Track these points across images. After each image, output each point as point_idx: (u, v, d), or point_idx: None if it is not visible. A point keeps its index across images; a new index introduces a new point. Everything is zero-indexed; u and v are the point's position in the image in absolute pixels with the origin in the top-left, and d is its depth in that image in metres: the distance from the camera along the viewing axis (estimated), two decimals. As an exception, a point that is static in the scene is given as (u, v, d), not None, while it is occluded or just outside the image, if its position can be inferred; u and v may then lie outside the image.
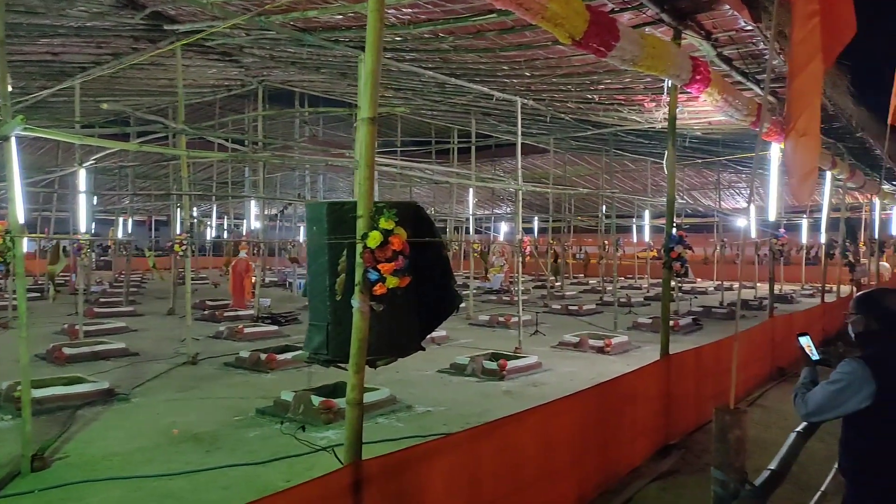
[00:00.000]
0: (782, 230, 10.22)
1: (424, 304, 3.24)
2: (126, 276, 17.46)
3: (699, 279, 25.27)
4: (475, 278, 18.04)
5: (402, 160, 14.63)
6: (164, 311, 14.56)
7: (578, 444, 4.60)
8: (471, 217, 15.20)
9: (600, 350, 10.30)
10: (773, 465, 2.43)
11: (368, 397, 6.59)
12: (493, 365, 8.56)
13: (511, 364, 8.64)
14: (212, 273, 23.38)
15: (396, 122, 16.07)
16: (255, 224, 15.69)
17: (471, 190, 14.61)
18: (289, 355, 8.75)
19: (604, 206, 17.92)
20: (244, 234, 17.38)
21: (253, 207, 15.91)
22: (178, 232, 11.32)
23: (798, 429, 2.82)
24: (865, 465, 2.41)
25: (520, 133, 9.45)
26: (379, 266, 2.93)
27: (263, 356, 8.62)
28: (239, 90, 12.76)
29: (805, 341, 2.79)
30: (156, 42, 8.59)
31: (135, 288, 19.37)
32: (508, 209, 25.68)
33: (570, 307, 15.76)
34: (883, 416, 2.29)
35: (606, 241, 17.59)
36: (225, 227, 22.71)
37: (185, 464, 5.11)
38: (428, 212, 21.71)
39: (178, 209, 11.95)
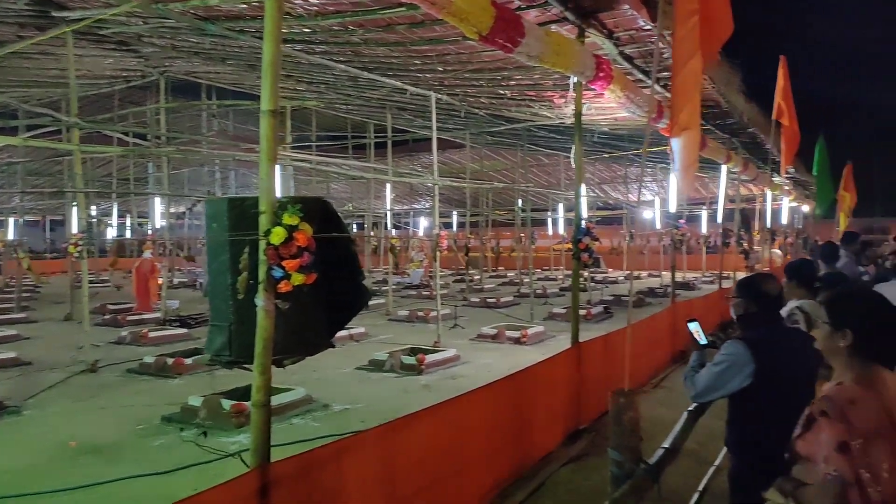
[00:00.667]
0: (682, 221, 10.80)
1: (333, 300, 3.18)
2: (18, 280, 16.21)
3: (611, 269, 26.32)
4: (394, 274, 18.00)
5: (317, 155, 14.36)
6: (61, 316, 13.62)
7: (493, 433, 4.68)
8: (388, 212, 15.12)
9: (517, 341, 10.53)
10: (666, 444, 2.57)
11: (282, 398, 6.46)
12: (411, 360, 8.57)
13: (430, 358, 8.68)
14: (114, 275, 22.11)
15: (311, 117, 15.76)
16: (161, 222, 14.94)
17: (388, 185, 14.54)
18: (198, 359, 8.40)
19: (520, 200, 18.29)
20: (149, 233, 16.52)
21: (158, 205, 15.12)
22: (73, 232, 10.59)
23: (689, 409, 2.99)
24: (747, 439, 2.58)
25: (435, 128, 9.48)
26: (283, 263, 2.85)
27: (170, 361, 8.24)
28: (139, 81, 12.08)
29: (694, 327, 2.95)
30: (44, 29, 7.99)
31: (28, 293, 18.01)
32: (427, 204, 25.73)
33: (489, 300, 16.02)
34: (762, 394, 2.45)
35: (522, 235, 17.98)
36: (128, 226, 21.48)
37: (84, 477, 4.79)
38: (345, 207, 21.46)
39: (74, 208, 11.19)
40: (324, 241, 3.08)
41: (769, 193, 15.19)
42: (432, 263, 11.34)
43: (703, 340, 2.91)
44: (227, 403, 6.05)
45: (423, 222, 23.12)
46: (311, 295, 3.01)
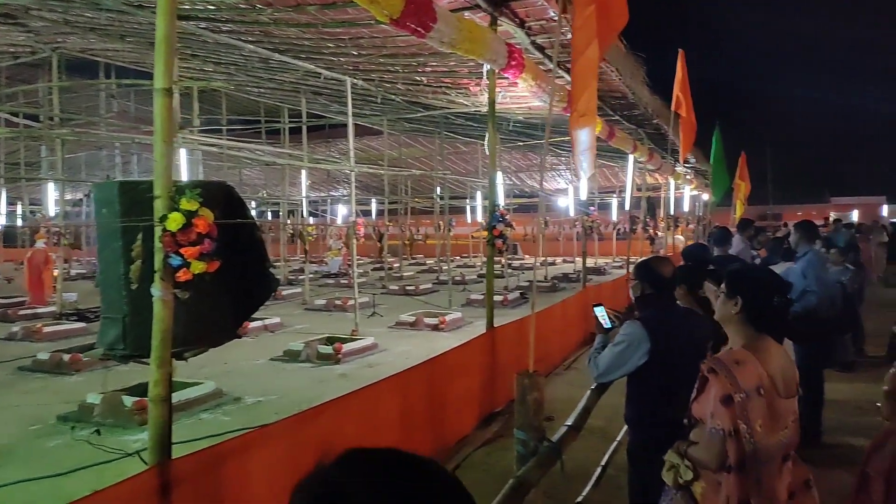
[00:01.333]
0: (593, 208, 11.22)
1: (239, 289, 3.07)
2: None
3: (527, 256, 26.95)
4: (311, 262, 17.64)
5: (228, 139, 13.79)
6: (-59, 313, 12.47)
7: (407, 420, 4.70)
8: (304, 199, 14.76)
9: (435, 328, 10.59)
10: (568, 422, 2.67)
11: (189, 392, 6.21)
12: (328, 349, 8.44)
13: (347, 347, 8.58)
14: (4, 267, 20.48)
15: (221, 100, 15.08)
16: (55, 210, 13.92)
17: (303, 171, 14.17)
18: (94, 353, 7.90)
19: (438, 188, 18.35)
20: (44, 221, 15.35)
21: (52, 191, 14.06)
22: (-48, 220, 9.69)
23: (592, 387, 3.11)
24: (644, 413, 2.72)
25: (350, 113, 9.31)
26: (182, 250, 2.72)
27: (66, 357, 7.72)
28: (29, 58, 11.14)
29: (599, 311, 3.06)
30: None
31: None
32: (345, 192, 25.35)
33: (408, 287, 16.02)
34: (657, 370, 2.58)
35: (441, 222, 18.08)
36: (18, 214, 19.87)
37: (-33, 485, 4.42)
38: (259, 194, 20.77)
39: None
40: (227, 228, 2.97)
41: (672, 182, 15.98)
42: (350, 251, 11.19)
43: (607, 324, 3.02)
44: (128, 400, 5.74)
45: (342, 210, 22.76)
46: (213, 284, 2.89)
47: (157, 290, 2.72)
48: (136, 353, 2.79)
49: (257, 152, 13.63)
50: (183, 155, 9.42)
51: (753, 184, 20.51)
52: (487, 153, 6.01)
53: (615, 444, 3.64)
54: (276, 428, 3.46)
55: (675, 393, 2.59)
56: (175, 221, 2.65)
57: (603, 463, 3.98)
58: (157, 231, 2.68)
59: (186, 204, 2.69)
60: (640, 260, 2.99)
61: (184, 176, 9.53)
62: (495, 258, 6.54)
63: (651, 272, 2.83)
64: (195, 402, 6.23)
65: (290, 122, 14.42)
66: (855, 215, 33.55)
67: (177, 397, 6.10)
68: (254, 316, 11.01)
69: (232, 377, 7.54)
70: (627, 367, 2.71)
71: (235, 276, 3.03)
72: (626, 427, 3.34)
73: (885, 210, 41.00)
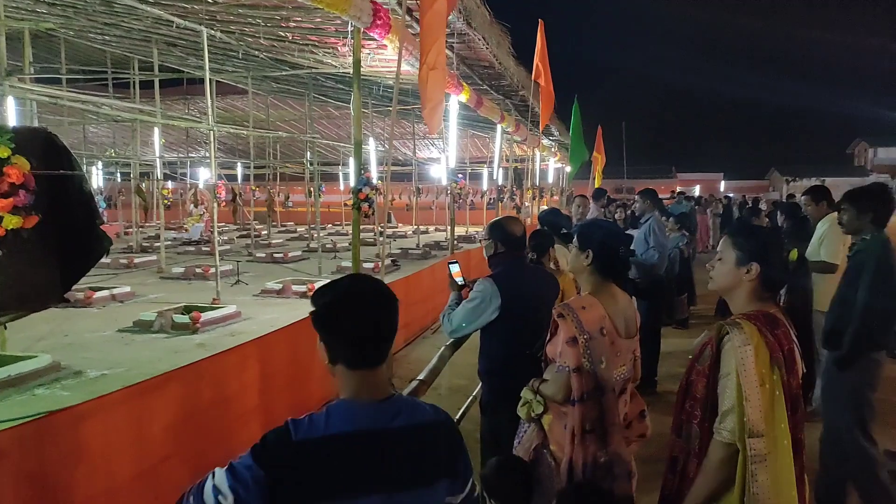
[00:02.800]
0: (460, 175, 11.47)
1: (65, 248, 2.78)
2: None
3: (401, 224, 27.04)
4: (168, 228, 16.52)
5: (69, 90, 12.39)
6: None
7: (269, 384, 4.57)
8: (158, 160, 13.69)
9: (304, 295, 10.37)
10: (421, 376, 2.72)
11: (21, 366, 5.67)
12: (184, 318, 7.99)
13: (206, 316, 8.18)
14: None
15: (59, 46, 13.47)
16: None
17: (156, 130, 13.10)
18: None
19: (308, 153, 17.78)
20: None
21: None
22: None
23: (446, 343, 3.19)
24: (494, 367, 2.84)
25: (207, 67, 8.69)
26: (-9, 203, 2.42)
27: None
28: None
29: (453, 268, 3.13)
30: None
31: None
32: (206, 154, 23.88)
33: (276, 255, 15.51)
34: (507, 325, 2.70)
35: (311, 189, 17.57)
36: None
37: None
38: (107, 153, 18.99)
39: None
40: (49, 180, 2.67)
41: (538, 154, 16.66)
42: (211, 216, 10.56)
43: (460, 280, 3.10)
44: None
45: (203, 173, 21.36)
46: (33, 241, 2.60)
47: (-39, 247, 2.40)
48: (-61, 318, 2.45)
49: (103, 106, 12.40)
50: (11, 104, 8.33)
51: (609, 158, 21.88)
52: (352, 114, 5.88)
53: (469, 399, 3.78)
54: (116, 397, 3.21)
55: (523, 345, 2.73)
56: (-19, 169, 2.34)
57: (456, 417, 4.13)
58: (-41, 180, 2.36)
59: (-5, 150, 2.38)
60: (492, 220, 3.08)
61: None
62: (369, 225, 6.48)
63: (502, 231, 2.93)
64: (28, 376, 5.68)
65: (140, 74, 13.21)
66: (697, 190, 36.95)
67: (6, 372, 5.57)
68: (101, 285, 10.24)
69: (73, 350, 6.95)
70: (479, 322, 2.81)
71: (62, 233, 2.74)
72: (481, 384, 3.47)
73: (722, 185, 45.68)
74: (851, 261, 3.40)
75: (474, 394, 3.97)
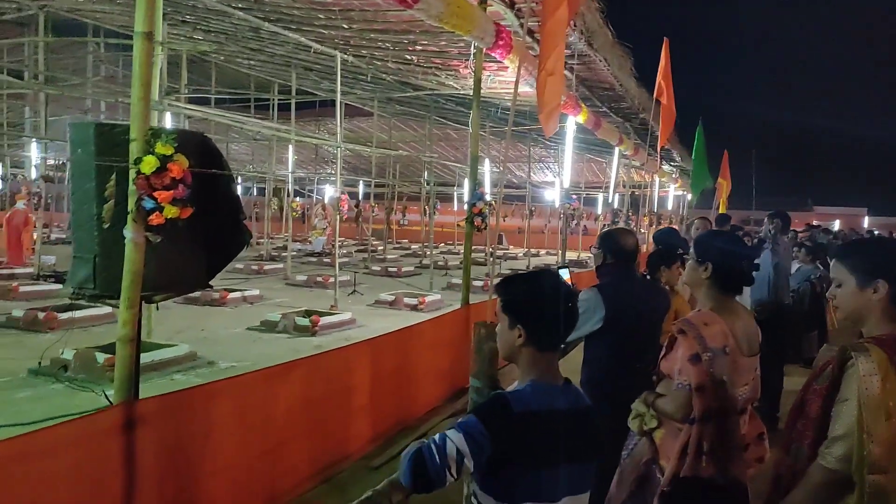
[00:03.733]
0: (574, 197, 11.40)
1: (212, 239, 3.11)
2: None
3: (512, 246, 27.08)
4: (295, 241, 17.62)
5: (217, 110, 13.71)
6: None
7: (377, 384, 4.77)
8: (290, 175, 14.72)
9: (414, 308, 10.66)
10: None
11: (164, 353, 6.27)
12: (305, 321, 8.49)
13: (324, 320, 8.63)
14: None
15: (211, 71, 14.96)
16: (37, 173, 13.76)
17: (290, 147, 14.13)
18: (74, 314, 7.89)
19: (426, 173, 18.36)
20: (25, 183, 15.15)
21: (34, 153, 13.89)
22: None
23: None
24: (596, 376, 2.81)
25: (339, 89, 9.31)
26: (155, 194, 2.76)
27: (41, 314, 7.71)
28: (14, 15, 10.99)
29: (563, 273, 3.14)
30: None
31: None
32: (333, 171, 25.31)
33: (390, 269, 16.07)
34: (612, 336, 2.67)
35: (427, 207, 18.13)
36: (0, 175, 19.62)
37: (-68, 430, 4.44)
38: (246, 169, 20.62)
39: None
40: (202, 177, 3.01)
41: (657, 180, 16.14)
42: (334, 228, 11.23)
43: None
44: (101, 357, 5.77)
45: (329, 191, 22.68)
46: (186, 231, 2.93)
47: (129, 231, 2.76)
48: (106, 293, 2.82)
49: (246, 124, 13.57)
50: (168, 120, 9.38)
51: (738, 189, 20.75)
52: (471, 130, 6.07)
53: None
54: (247, 378, 3.52)
55: (628, 358, 2.69)
56: (149, 164, 2.69)
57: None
58: (132, 173, 2.72)
59: (161, 148, 2.73)
60: (604, 230, 3.07)
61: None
62: (480, 246, 6.63)
63: (613, 242, 2.91)
64: (169, 363, 6.27)
65: (279, 97, 14.34)
66: (837, 224, 34.01)
67: (151, 357, 6.17)
68: (234, 287, 11.13)
69: (208, 343, 7.58)
70: (582, 331, 2.80)
71: (209, 225, 3.07)
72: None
73: (866, 221, 41.73)
74: None
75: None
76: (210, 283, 3.22)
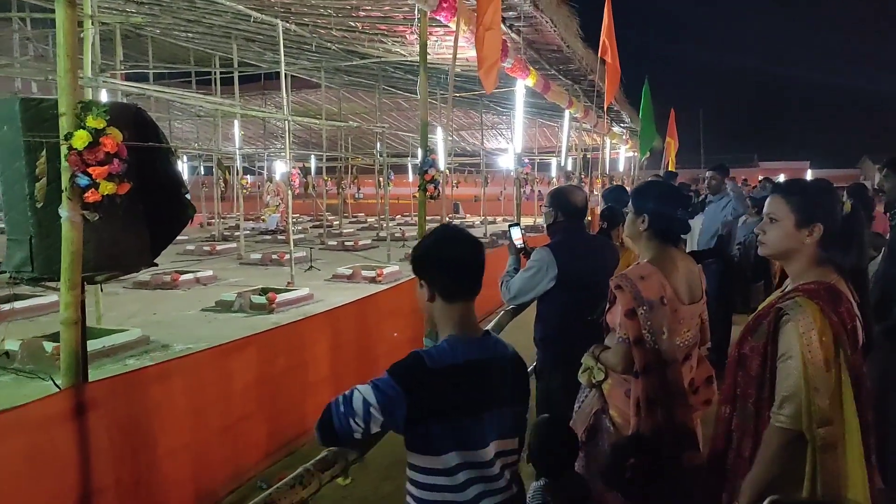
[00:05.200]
0: (527, 161, 11.46)
1: (154, 215, 3.00)
2: None
3: (468, 215, 27.15)
4: (247, 219, 17.27)
5: (156, 86, 13.16)
6: None
7: (337, 355, 4.76)
8: (237, 153, 14.33)
9: (373, 280, 10.64)
10: (480, 336, 2.78)
11: (115, 338, 6.12)
12: (261, 299, 8.38)
13: (281, 297, 8.55)
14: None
15: (147, 45, 14.31)
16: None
17: (236, 122, 13.73)
18: (20, 304, 7.58)
19: (378, 144, 18.14)
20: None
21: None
22: None
23: (507, 308, 3.23)
24: (550, 334, 2.86)
25: (283, 60, 9.05)
26: (90, 170, 2.65)
27: (-19, 306, 7.38)
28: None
29: (515, 232, 3.13)
30: None
31: None
32: (282, 146, 24.76)
33: (346, 243, 15.95)
34: (564, 293, 2.70)
35: (381, 179, 17.95)
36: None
37: None
38: (191, 147, 19.98)
39: None
40: (139, 151, 2.90)
41: (608, 142, 16.33)
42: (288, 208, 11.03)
43: (520, 245, 3.09)
44: (49, 346, 5.58)
45: (279, 167, 22.21)
46: (125, 207, 2.83)
47: (64, 210, 2.64)
48: (45, 275, 2.71)
49: (186, 99, 13.08)
50: (104, 98, 8.98)
51: (685, 147, 21.15)
52: (419, 96, 5.99)
53: (534, 363, 3.81)
54: (199, 357, 3.46)
55: (580, 313, 2.74)
56: (81, 139, 2.56)
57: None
58: (63, 149, 2.59)
59: (93, 122, 2.60)
60: (553, 188, 3.08)
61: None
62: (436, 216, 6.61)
63: (562, 200, 2.93)
64: (121, 348, 6.13)
65: (221, 70, 13.85)
66: (781, 178, 35.16)
67: (102, 343, 6.02)
68: (185, 269, 10.85)
69: (161, 327, 7.42)
70: (536, 291, 2.83)
71: (150, 201, 2.97)
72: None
73: (809, 174, 43.23)
74: (894, 228, 3.23)
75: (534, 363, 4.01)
76: (155, 261, 3.12)
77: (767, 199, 1.93)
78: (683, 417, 2.17)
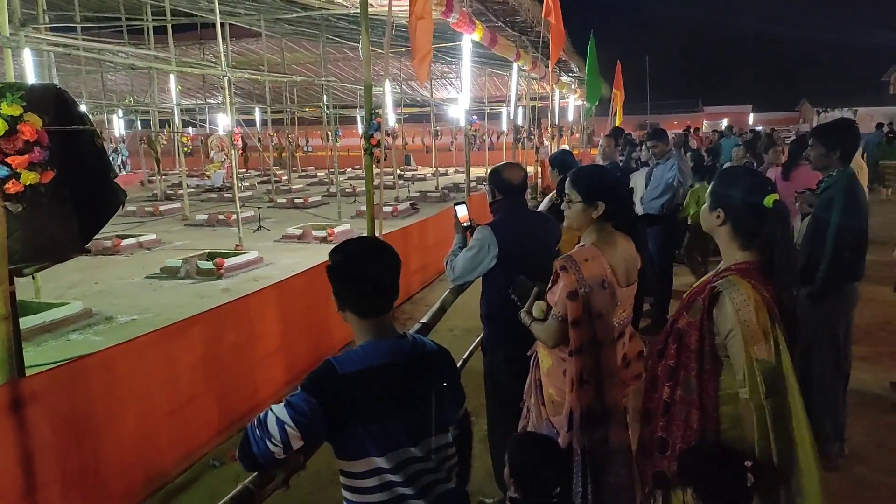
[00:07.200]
0: (475, 117, 11.37)
1: (82, 201, 2.88)
2: None
3: (420, 167, 26.94)
4: (191, 176, 16.70)
5: (85, 39, 12.37)
6: None
7: (288, 328, 4.75)
8: (175, 108, 13.72)
9: (324, 240, 10.54)
10: (424, 320, 2.82)
11: (55, 313, 5.94)
12: (208, 265, 8.22)
13: (229, 262, 8.40)
14: None
15: (71, -7, 13.38)
16: None
17: (172, 77, 13.09)
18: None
19: (325, 97, 17.63)
20: None
21: None
22: None
23: (451, 288, 3.27)
24: (493, 311, 2.91)
25: (217, 10, 8.60)
26: (9, 160, 2.52)
27: None
28: None
29: (460, 211, 3.12)
30: None
31: None
32: (224, 100, 23.81)
33: (296, 200, 15.67)
34: (506, 271, 2.73)
35: (329, 133, 17.54)
36: None
37: None
38: (125, 101, 19.06)
39: None
40: (62, 135, 2.76)
41: (557, 92, 16.28)
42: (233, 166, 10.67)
43: (466, 224, 3.10)
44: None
45: (222, 120, 21.39)
46: (51, 195, 2.71)
47: (-17, 203, 2.52)
48: (-32, 271, 2.59)
49: (120, 54, 12.38)
50: (28, 56, 8.36)
51: (632, 94, 21.29)
52: (361, 56, 5.82)
53: (478, 339, 3.91)
54: (143, 341, 3.40)
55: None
56: (-4, 128, 2.43)
57: (465, 356, 4.27)
58: (-24, 139, 2.45)
59: (8, 109, 2.47)
60: (492, 167, 3.07)
61: (32, 81, 8.54)
62: (389, 168, 6.51)
63: (499, 178, 2.93)
64: (62, 322, 5.96)
65: (153, 20, 13.09)
66: (725, 123, 35.90)
67: (41, 318, 5.84)
68: (128, 233, 10.51)
69: (104, 297, 7.23)
70: (479, 269, 2.86)
71: (76, 187, 2.84)
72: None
73: (751, 118, 44.28)
74: (820, 197, 3.39)
75: (479, 338, 4.11)
76: (88, 246, 3.01)
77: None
78: (615, 397, 2.26)
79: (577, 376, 2.21)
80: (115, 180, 2.97)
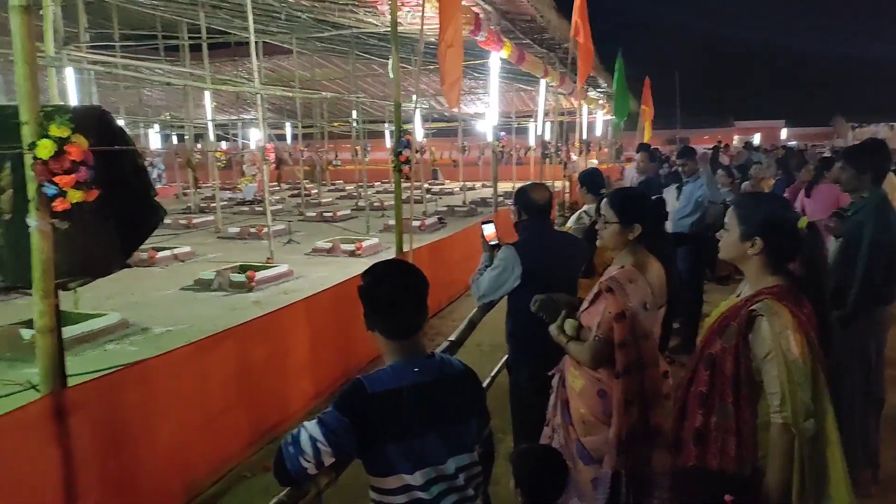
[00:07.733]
0: (503, 133, 11.40)
1: (124, 218, 3.00)
2: None
3: (448, 181, 27.05)
4: (224, 189, 17.03)
5: (123, 57, 12.77)
6: None
7: (318, 342, 4.82)
8: (209, 123, 14.05)
9: (352, 254, 10.66)
10: (452, 337, 2.85)
11: (92, 324, 6.11)
12: (240, 277, 8.37)
13: (260, 275, 8.54)
14: None
15: (111, 12, 13.84)
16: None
17: (207, 93, 13.43)
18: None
19: (354, 112, 17.88)
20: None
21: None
22: None
23: (479, 306, 3.30)
24: (517, 330, 2.94)
25: (252, 28, 8.81)
26: (56, 179, 2.63)
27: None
28: None
29: (487, 230, 3.16)
30: None
31: None
32: (256, 115, 24.27)
33: (325, 214, 15.87)
34: (530, 291, 2.75)
35: (358, 148, 17.77)
36: None
37: None
38: (162, 117, 19.53)
39: None
40: (106, 155, 2.88)
41: (585, 107, 16.27)
42: (271, 177, 10.88)
43: (493, 242, 3.13)
44: (27, 333, 5.56)
45: (254, 134, 21.83)
46: (95, 213, 2.82)
47: (32, 220, 2.63)
48: (18, 283, 2.72)
49: (156, 71, 12.77)
50: (70, 74, 8.71)
51: (662, 109, 21.13)
52: (391, 75, 5.93)
53: (506, 357, 3.93)
54: (179, 354, 3.49)
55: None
56: (45, 149, 2.54)
57: (492, 374, 4.28)
58: (27, 159, 2.57)
59: (57, 130, 2.58)
60: (518, 186, 3.10)
61: (74, 98, 8.86)
62: (416, 182, 6.61)
63: (525, 198, 2.96)
64: (99, 333, 6.13)
65: (189, 38, 13.47)
66: (757, 138, 35.41)
67: (80, 329, 6.01)
68: (163, 245, 10.76)
69: (140, 308, 7.41)
70: (504, 289, 2.89)
71: (119, 205, 2.96)
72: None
73: (784, 133, 43.58)
74: (851, 220, 3.33)
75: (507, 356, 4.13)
76: (127, 261, 3.13)
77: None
78: (659, 419, 2.25)
79: (623, 398, 2.22)
80: (155, 198, 3.07)
